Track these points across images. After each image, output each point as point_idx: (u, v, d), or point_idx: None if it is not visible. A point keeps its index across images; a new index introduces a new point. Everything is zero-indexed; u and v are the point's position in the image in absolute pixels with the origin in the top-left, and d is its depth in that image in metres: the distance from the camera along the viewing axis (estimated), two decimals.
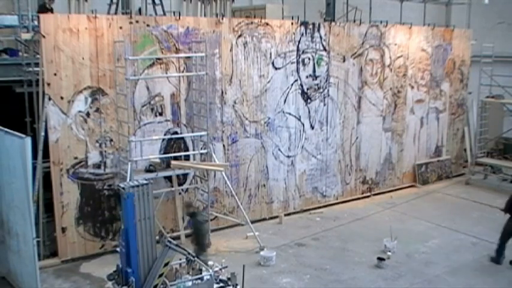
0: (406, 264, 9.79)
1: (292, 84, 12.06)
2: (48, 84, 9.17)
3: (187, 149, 10.75)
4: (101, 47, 9.52)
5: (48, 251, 9.73)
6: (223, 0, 12.55)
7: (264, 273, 9.33)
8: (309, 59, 12.25)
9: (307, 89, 12.36)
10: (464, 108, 16.05)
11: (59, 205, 9.49)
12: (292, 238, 10.93)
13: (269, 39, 11.51)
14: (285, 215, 12.14)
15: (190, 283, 7.51)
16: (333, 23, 12.69)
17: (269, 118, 11.78)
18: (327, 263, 9.81)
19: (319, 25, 12.33)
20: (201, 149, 10.60)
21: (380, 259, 9.71)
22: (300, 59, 12.11)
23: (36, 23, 9.65)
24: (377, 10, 14.19)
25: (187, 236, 10.70)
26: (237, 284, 7.78)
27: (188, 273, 7.65)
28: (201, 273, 7.66)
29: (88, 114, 9.57)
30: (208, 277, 7.63)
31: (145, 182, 7.26)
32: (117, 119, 9.79)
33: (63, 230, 9.57)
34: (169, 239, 7.27)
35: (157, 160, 10.12)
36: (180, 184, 10.74)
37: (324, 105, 12.68)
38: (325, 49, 12.47)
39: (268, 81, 11.65)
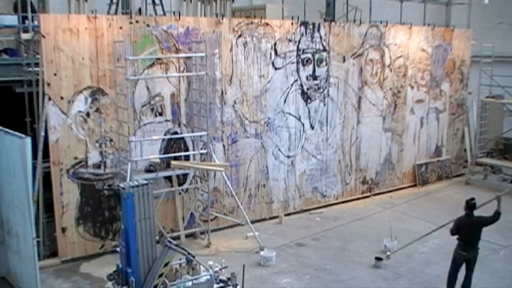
0: (406, 264, 9.79)
1: (292, 84, 12.06)
2: (48, 84, 9.17)
3: (187, 149, 10.75)
4: (101, 47, 9.51)
5: (48, 251, 9.73)
6: (223, 0, 12.54)
7: (264, 273, 9.33)
8: (309, 59, 12.25)
9: (307, 89, 12.36)
10: (464, 108, 16.04)
11: (59, 205, 9.49)
12: (292, 238, 10.93)
13: (269, 39, 11.51)
14: (285, 215, 12.14)
15: (190, 283, 7.51)
16: (333, 23, 12.69)
17: (269, 118, 11.78)
18: (327, 263, 9.81)
19: (319, 25, 12.33)
20: (201, 149, 10.60)
21: (378, 259, 9.71)
22: (300, 59, 12.11)
23: (36, 23, 9.66)
24: (377, 10, 14.18)
25: (187, 236, 10.73)
26: (237, 284, 7.78)
27: (188, 273, 7.65)
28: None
29: (88, 114, 9.58)
30: (208, 277, 7.64)
31: (145, 182, 7.25)
32: (117, 119, 9.79)
33: (63, 230, 9.57)
34: (169, 239, 7.27)
35: (157, 160, 10.12)
36: (180, 184, 10.73)
37: (324, 105, 12.68)
38: (325, 49, 12.47)
39: (268, 81, 11.65)
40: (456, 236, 8.37)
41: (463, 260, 8.34)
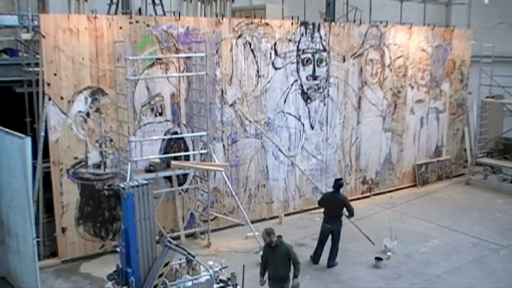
0: (406, 264, 9.79)
1: (292, 84, 12.06)
2: (48, 84, 9.17)
3: (187, 149, 10.75)
4: (101, 47, 9.52)
5: (48, 251, 9.73)
6: (223, 0, 12.54)
7: None
8: (309, 59, 12.25)
9: (307, 89, 12.36)
10: (464, 108, 16.04)
11: (59, 205, 9.49)
12: (292, 238, 10.88)
13: (269, 39, 11.51)
14: (285, 215, 12.14)
15: (190, 283, 7.51)
16: (333, 23, 12.69)
17: (269, 118, 11.78)
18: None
19: (319, 25, 12.33)
20: (201, 149, 10.60)
21: (378, 259, 9.71)
22: (300, 59, 12.11)
23: (36, 23, 9.66)
24: (377, 10, 14.18)
25: (187, 236, 10.73)
26: (237, 284, 7.77)
27: (188, 273, 7.65)
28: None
29: (88, 114, 9.58)
30: (208, 277, 7.63)
31: (145, 182, 7.25)
32: (117, 119, 9.79)
33: (63, 230, 9.57)
34: (169, 239, 7.26)
35: (157, 160, 10.12)
36: (180, 184, 10.74)
37: (324, 105, 12.68)
38: (325, 49, 12.47)
39: (268, 81, 11.65)
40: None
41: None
